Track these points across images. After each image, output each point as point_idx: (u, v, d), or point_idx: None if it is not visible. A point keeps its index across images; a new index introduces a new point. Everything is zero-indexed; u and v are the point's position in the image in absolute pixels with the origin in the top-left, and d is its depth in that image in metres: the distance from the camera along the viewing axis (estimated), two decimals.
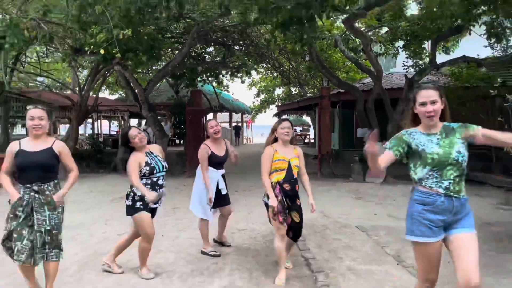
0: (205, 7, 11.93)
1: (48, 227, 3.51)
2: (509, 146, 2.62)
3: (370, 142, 2.50)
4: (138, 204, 4.20)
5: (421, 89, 2.70)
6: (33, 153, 3.51)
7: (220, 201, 5.08)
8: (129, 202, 4.24)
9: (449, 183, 2.58)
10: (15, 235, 3.42)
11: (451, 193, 2.58)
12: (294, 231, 4.28)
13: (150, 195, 4.07)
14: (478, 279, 2.48)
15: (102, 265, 4.53)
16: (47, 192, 3.55)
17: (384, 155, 2.70)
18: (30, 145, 3.56)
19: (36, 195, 3.50)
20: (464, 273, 2.49)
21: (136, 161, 4.20)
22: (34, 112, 3.53)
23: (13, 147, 3.57)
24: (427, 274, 2.71)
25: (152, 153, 4.40)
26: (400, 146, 2.72)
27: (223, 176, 5.16)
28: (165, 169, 4.43)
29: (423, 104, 2.64)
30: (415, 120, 2.78)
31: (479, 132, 2.63)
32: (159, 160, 4.40)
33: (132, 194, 4.24)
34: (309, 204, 4.26)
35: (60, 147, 3.67)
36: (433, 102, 2.62)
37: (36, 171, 3.52)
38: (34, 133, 3.54)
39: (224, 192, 5.07)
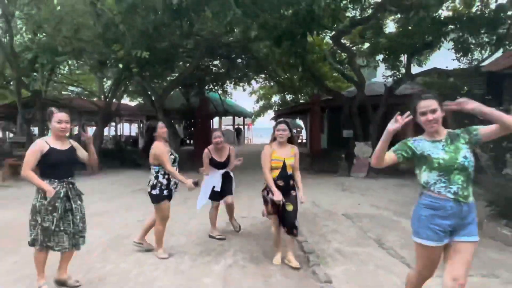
0: (212, 26, 11.91)
1: (80, 215, 3.47)
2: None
3: (398, 120, 2.37)
4: (165, 192, 4.25)
5: (420, 100, 2.48)
6: (64, 151, 3.42)
7: (217, 195, 5.07)
8: (157, 192, 4.23)
9: (458, 188, 2.35)
10: (56, 229, 3.32)
11: (460, 198, 2.35)
12: (287, 221, 3.98)
13: (188, 182, 4.14)
14: (463, 282, 2.34)
15: (135, 244, 4.54)
16: (76, 184, 3.52)
17: (387, 155, 2.53)
18: (58, 144, 3.41)
19: (72, 187, 3.46)
20: (451, 276, 2.34)
21: (166, 150, 4.24)
22: (62, 116, 3.39)
23: (42, 146, 3.33)
24: (424, 271, 2.55)
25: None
26: (404, 151, 2.51)
27: (224, 174, 5.09)
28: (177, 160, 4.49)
29: (424, 113, 2.45)
30: (417, 130, 2.56)
31: (481, 131, 2.42)
32: (174, 152, 4.47)
33: (159, 184, 4.24)
34: (299, 197, 4.11)
35: (75, 145, 3.59)
36: (433, 111, 2.43)
37: (69, 166, 3.47)
38: (61, 135, 3.42)
39: (216, 189, 5.01)
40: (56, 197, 3.30)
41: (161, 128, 4.30)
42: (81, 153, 3.58)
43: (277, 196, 3.90)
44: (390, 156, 2.53)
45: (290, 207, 3.97)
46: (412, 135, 2.56)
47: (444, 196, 2.36)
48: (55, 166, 3.36)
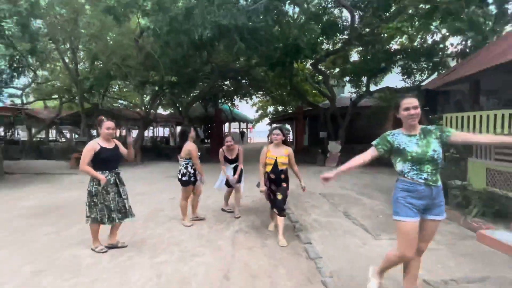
0: (224, 56, 11.90)
1: (125, 196, 3.47)
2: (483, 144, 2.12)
3: (326, 177, 2.30)
4: (192, 179, 4.30)
5: (403, 98, 2.21)
6: (111, 149, 3.39)
7: (229, 183, 5.01)
8: (187, 178, 4.26)
9: (427, 175, 2.15)
10: (112, 206, 3.33)
11: (430, 183, 2.15)
12: (277, 206, 3.82)
13: (203, 179, 4.38)
14: (424, 249, 2.32)
15: (193, 219, 4.53)
16: (120, 174, 3.51)
17: (370, 151, 2.28)
18: (106, 144, 3.37)
19: (119, 176, 3.46)
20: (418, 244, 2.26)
21: (197, 149, 4.29)
22: (111, 124, 3.37)
23: (95, 146, 3.30)
24: (405, 251, 2.22)
25: None
26: (384, 145, 2.25)
27: (235, 168, 4.99)
28: None
29: (407, 109, 2.17)
30: (396, 125, 2.30)
31: (452, 134, 2.17)
32: None
33: (188, 173, 4.27)
34: (301, 186, 3.96)
35: (118, 143, 3.53)
36: (415, 107, 2.16)
37: (116, 161, 3.45)
38: (109, 138, 3.40)
39: (230, 178, 4.96)
40: (108, 184, 3.32)
41: (193, 132, 4.38)
42: (122, 149, 3.56)
43: (262, 187, 3.90)
44: (372, 152, 2.29)
45: (280, 197, 3.80)
46: (391, 129, 2.32)
47: (416, 182, 2.16)
48: (105, 160, 3.34)
